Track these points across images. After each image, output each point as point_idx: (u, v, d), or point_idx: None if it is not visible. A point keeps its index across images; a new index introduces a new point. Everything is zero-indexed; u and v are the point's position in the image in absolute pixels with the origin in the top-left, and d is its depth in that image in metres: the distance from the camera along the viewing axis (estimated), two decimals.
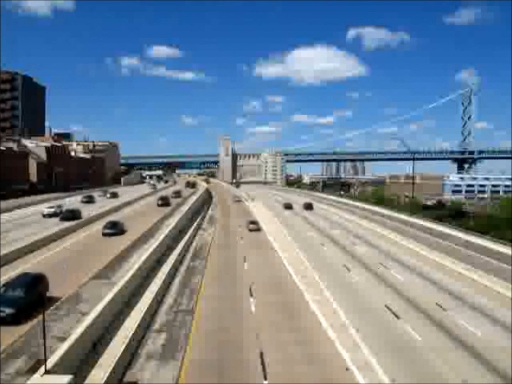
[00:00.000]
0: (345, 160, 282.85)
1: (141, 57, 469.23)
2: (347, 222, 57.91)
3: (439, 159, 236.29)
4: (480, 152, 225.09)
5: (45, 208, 52.00)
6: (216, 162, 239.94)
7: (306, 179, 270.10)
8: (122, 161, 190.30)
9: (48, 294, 20.22)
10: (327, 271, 30.60)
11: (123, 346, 15.53)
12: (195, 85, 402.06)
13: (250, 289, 25.36)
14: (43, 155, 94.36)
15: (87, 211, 51.40)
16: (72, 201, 67.19)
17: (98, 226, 41.16)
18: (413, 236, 44.14)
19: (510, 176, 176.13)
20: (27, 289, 18.65)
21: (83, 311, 18.26)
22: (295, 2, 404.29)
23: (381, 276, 30.01)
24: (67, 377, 11.68)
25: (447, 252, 35.97)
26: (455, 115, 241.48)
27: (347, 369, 15.32)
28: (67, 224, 41.57)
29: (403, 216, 54.85)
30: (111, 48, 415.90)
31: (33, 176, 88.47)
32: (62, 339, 14.67)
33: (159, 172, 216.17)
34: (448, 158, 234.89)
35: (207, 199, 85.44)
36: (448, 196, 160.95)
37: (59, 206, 52.65)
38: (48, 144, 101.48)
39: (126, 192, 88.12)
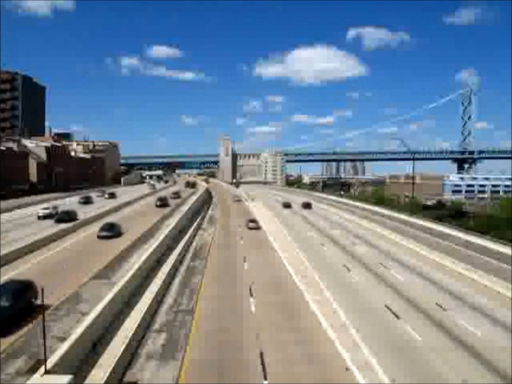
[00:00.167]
0: (345, 160, 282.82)
1: (141, 57, 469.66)
2: (347, 222, 57.91)
3: (439, 159, 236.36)
4: (480, 152, 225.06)
5: (40, 209, 49.96)
6: (216, 162, 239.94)
7: (306, 179, 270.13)
8: (122, 161, 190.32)
9: (47, 301, 17.63)
10: (327, 271, 30.61)
11: (123, 346, 15.53)
12: (195, 85, 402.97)
13: (250, 289, 25.35)
14: (43, 155, 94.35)
15: (84, 212, 50.47)
16: (72, 201, 67.06)
17: (95, 228, 39.19)
18: (413, 236, 44.15)
19: (510, 176, 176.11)
20: (13, 298, 17.36)
21: (83, 311, 18.25)
22: (295, 2, 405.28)
23: (381, 276, 30.02)
24: (67, 377, 11.68)
25: (447, 252, 35.98)
26: (455, 115, 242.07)
27: (347, 369, 15.32)
28: (62, 226, 39.93)
29: (403, 216, 54.86)
30: (111, 48, 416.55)
31: (33, 176, 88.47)
32: (62, 339, 14.67)
33: (159, 172, 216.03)
34: (448, 158, 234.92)
35: (207, 199, 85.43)
36: (448, 196, 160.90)
37: (55, 207, 50.94)
38: (48, 144, 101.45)
39: (126, 192, 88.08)
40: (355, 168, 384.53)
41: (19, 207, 57.37)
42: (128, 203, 64.82)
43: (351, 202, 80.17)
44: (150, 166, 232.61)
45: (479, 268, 29.97)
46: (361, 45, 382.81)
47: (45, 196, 74.05)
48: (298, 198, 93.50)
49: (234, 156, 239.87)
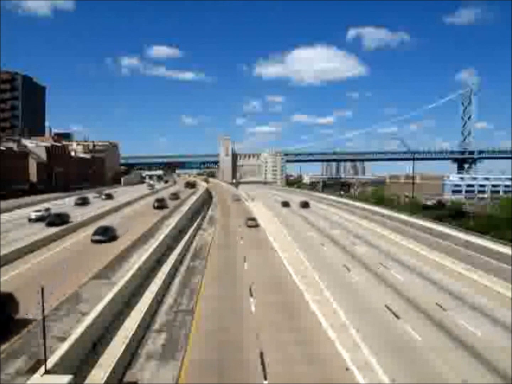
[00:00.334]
0: (345, 160, 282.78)
1: (141, 57, 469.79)
2: (347, 222, 57.91)
3: (439, 159, 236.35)
4: (480, 152, 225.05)
5: (31, 212, 47.45)
6: (216, 162, 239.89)
7: (306, 179, 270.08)
8: (122, 161, 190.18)
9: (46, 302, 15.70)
10: (327, 271, 30.61)
11: (123, 346, 15.53)
12: (195, 85, 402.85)
13: (250, 289, 25.35)
14: (43, 155, 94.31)
15: (80, 214, 49.08)
16: (71, 201, 66.98)
17: (89, 231, 36.98)
18: (413, 236, 44.16)
19: (510, 176, 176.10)
20: None
21: (83, 311, 18.25)
22: (295, 2, 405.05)
23: (381, 276, 30.01)
24: (67, 377, 11.68)
25: (447, 252, 35.99)
26: (455, 115, 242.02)
27: (347, 369, 15.32)
28: (53, 229, 37.70)
29: (403, 216, 54.89)
30: (111, 48, 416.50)
31: (33, 176, 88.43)
32: (62, 339, 14.67)
33: (159, 172, 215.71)
34: (448, 158, 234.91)
35: (207, 199, 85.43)
36: (448, 196, 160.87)
37: (47, 209, 48.82)
38: (48, 144, 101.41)
39: (125, 192, 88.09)
40: (355, 168, 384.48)
41: (19, 207, 57.32)
42: (128, 203, 64.77)
43: (351, 202, 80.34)
44: (150, 166, 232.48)
45: (479, 268, 29.96)
46: (361, 45, 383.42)
47: (45, 196, 74.00)
48: (298, 198, 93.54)
49: (234, 156, 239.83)
